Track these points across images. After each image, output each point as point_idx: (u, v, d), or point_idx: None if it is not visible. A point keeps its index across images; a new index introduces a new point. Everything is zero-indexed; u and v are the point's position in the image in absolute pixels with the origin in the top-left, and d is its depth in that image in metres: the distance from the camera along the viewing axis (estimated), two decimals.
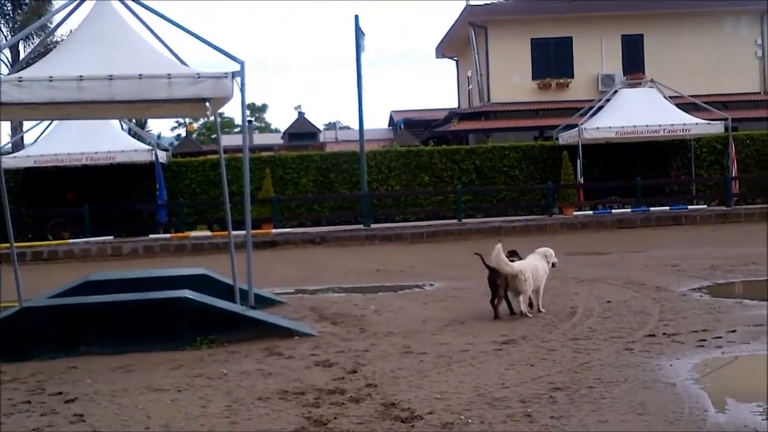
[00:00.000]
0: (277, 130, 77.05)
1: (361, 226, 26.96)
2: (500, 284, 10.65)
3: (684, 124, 28.81)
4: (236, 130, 73.42)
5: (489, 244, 22.44)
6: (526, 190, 29.87)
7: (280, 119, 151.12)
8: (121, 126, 29.18)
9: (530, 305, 10.86)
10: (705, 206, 28.98)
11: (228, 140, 50.87)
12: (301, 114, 52.72)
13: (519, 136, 33.48)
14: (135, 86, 10.24)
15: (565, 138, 29.90)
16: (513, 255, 11.06)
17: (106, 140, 26.93)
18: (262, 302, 11.95)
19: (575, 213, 27.94)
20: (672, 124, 28.67)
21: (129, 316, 9.64)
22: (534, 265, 10.90)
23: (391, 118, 52.97)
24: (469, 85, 42.26)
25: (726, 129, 29.27)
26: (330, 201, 29.41)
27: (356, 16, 28.30)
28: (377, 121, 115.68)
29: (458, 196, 28.39)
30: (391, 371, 7.98)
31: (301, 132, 50.75)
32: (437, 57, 46.95)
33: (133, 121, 31.79)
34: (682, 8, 37.63)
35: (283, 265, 19.59)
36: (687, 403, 6.54)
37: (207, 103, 10.89)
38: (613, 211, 28.25)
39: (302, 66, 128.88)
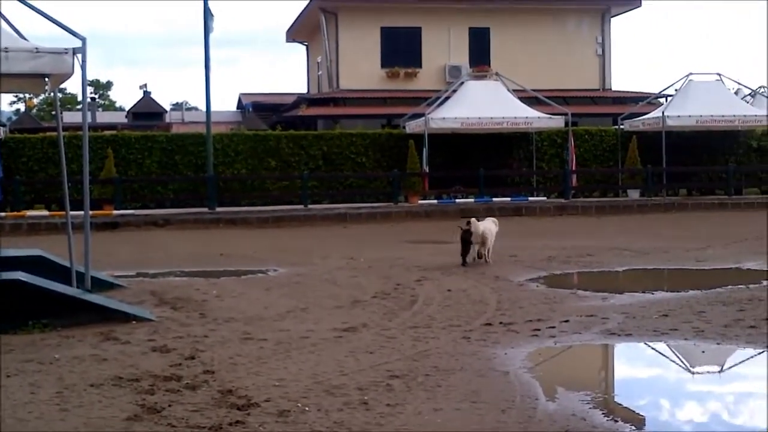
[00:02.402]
0: (121, 109, 75.31)
1: (205, 210, 26.64)
2: (472, 240, 14.77)
3: (526, 118, 29.49)
4: (78, 107, 71.49)
5: (334, 230, 22.74)
6: (372, 178, 30.03)
7: (126, 97, 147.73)
8: None
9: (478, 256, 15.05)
10: (545, 198, 29.73)
11: (69, 117, 49.49)
12: (146, 93, 51.57)
13: (367, 124, 33.63)
14: None
15: (412, 127, 30.20)
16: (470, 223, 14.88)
17: None
18: (100, 285, 11.67)
19: (420, 201, 28.28)
20: (515, 117, 29.29)
21: None
22: (490, 228, 15.30)
23: (239, 100, 52.41)
24: (318, 71, 42.23)
25: (566, 123, 30.09)
26: (174, 183, 28.95)
27: None
28: (225, 103, 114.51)
29: (305, 182, 28.34)
30: (229, 358, 7.93)
31: (147, 111, 49.60)
32: (287, 41, 46.73)
33: None
34: (527, 4, 38.47)
35: (124, 247, 19.20)
36: (519, 392, 6.72)
37: (46, 79, 10.59)
38: (457, 200, 28.70)
39: (150, 43, 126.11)
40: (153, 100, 51.62)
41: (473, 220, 14.97)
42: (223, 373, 7.36)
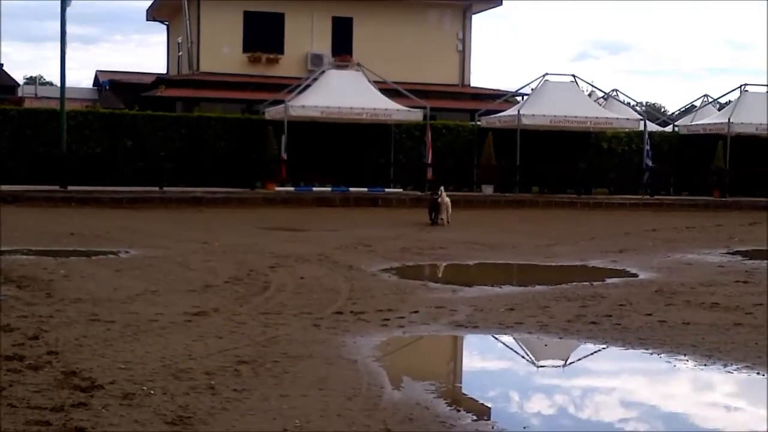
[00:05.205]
0: None
1: (57, 188, 26.00)
2: (438, 207, 20.64)
3: (386, 109, 29.75)
4: None
5: (189, 214, 22.53)
6: (230, 162, 29.77)
7: None
8: None
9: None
10: (401, 190, 30.04)
11: None
12: None
13: (227, 108, 33.35)
14: None
15: (272, 113, 30.11)
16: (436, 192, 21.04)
17: None
18: None
19: (277, 188, 28.22)
20: (375, 108, 29.51)
21: None
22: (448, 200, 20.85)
23: (96, 78, 51.24)
24: (179, 52, 41.60)
25: (425, 117, 30.47)
26: (25, 159, 28.11)
27: None
28: (82, 80, 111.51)
29: (161, 164, 27.95)
30: (75, 339, 7.78)
31: None
32: (147, 20, 45.87)
33: None
34: None
35: None
36: (366, 380, 6.80)
37: None
38: (314, 189, 28.76)
39: (5, 16, 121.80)
40: (5, 72, 49.95)
41: (441, 189, 20.98)
42: (68, 354, 7.22)
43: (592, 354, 8.34)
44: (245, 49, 37.61)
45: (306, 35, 37.83)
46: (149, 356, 7.25)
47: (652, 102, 71.51)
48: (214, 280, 11.57)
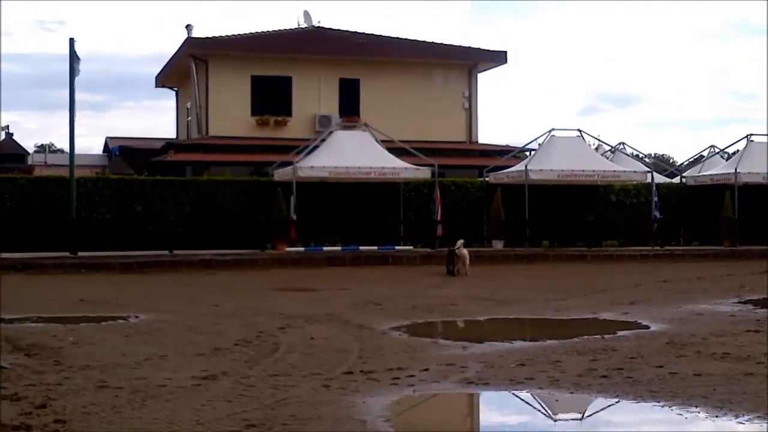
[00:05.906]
0: None
1: (67, 254, 26.06)
2: (456, 259, 22.12)
3: (394, 168, 29.86)
4: None
5: (200, 277, 22.49)
6: (239, 225, 29.84)
7: None
8: None
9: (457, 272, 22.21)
10: (411, 247, 30.02)
11: None
12: (9, 135, 50.24)
13: (236, 171, 33.50)
14: None
15: (281, 175, 30.23)
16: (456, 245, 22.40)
17: None
18: None
19: (287, 249, 28.24)
20: (383, 167, 29.62)
21: None
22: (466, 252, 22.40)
23: (106, 144, 51.61)
24: (188, 117, 41.94)
25: (433, 174, 30.57)
26: (36, 228, 28.21)
27: (71, 39, 27.53)
28: (93, 146, 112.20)
29: (171, 228, 28.01)
30: (82, 407, 7.74)
31: (8, 153, 48.33)
32: (157, 86, 46.35)
33: None
34: (396, 57, 39.08)
35: None
36: None
37: None
38: (324, 248, 28.77)
39: (16, 85, 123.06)
40: (15, 142, 50.34)
41: (460, 242, 22.37)
42: (75, 422, 7.18)
43: (603, 409, 8.27)
44: (253, 113, 37.97)
45: (313, 97, 38.18)
46: (157, 423, 7.20)
47: (660, 153, 71.66)
48: (223, 343, 11.53)
